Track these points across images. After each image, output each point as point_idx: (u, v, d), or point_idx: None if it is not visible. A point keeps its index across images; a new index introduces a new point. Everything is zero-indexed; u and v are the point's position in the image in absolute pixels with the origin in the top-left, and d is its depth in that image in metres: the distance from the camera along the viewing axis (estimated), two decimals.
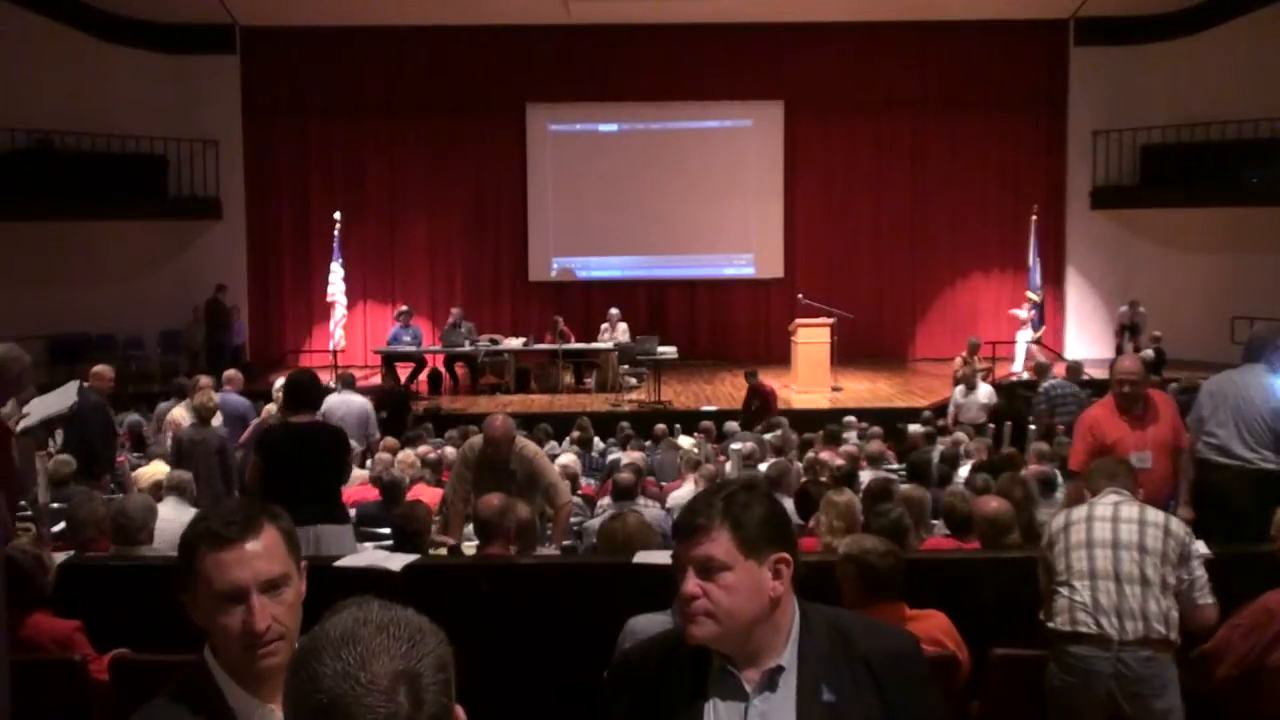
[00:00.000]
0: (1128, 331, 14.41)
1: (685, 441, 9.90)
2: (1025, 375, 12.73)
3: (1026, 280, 14.83)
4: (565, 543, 5.45)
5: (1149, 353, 13.41)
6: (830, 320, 13.29)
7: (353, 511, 6.30)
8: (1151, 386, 5.15)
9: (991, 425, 10.43)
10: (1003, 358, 13.75)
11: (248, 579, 1.53)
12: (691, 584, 1.62)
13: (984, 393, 10.94)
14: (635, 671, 1.76)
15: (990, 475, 5.95)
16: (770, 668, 1.63)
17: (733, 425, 10.42)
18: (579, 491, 7.08)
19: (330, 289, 14.17)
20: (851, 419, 10.28)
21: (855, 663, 1.64)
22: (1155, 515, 3.30)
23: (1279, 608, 3.21)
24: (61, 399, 6.59)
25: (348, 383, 9.95)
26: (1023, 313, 14.19)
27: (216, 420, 7.83)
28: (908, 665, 1.68)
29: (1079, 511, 3.39)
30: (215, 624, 1.54)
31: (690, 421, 11.29)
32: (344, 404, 9.30)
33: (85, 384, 7.55)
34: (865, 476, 6.43)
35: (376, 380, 13.06)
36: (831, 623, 1.69)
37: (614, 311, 14.36)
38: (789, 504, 5.39)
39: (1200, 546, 3.30)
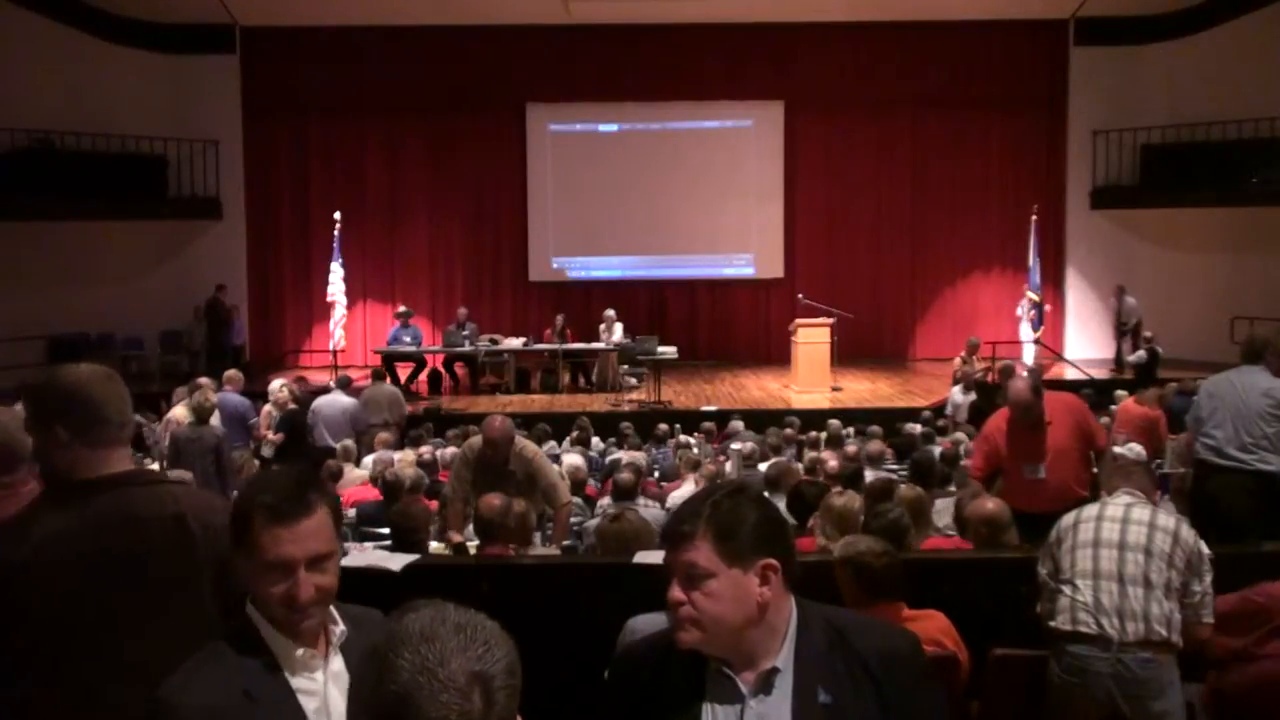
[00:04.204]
0: (1128, 335, 14.40)
1: (688, 440, 9.90)
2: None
3: (1026, 280, 14.83)
4: (565, 543, 5.45)
5: (1142, 354, 13.33)
6: (830, 320, 13.29)
7: (352, 512, 6.31)
8: (1053, 395, 5.19)
9: None
10: (1003, 358, 13.72)
11: (298, 555, 1.67)
12: (675, 591, 1.62)
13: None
14: (634, 672, 1.75)
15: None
16: (765, 670, 1.62)
17: (736, 425, 10.43)
18: (584, 491, 7.09)
19: (330, 289, 14.17)
20: (836, 423, 10.18)
21: (853, 663, 1.63)
22: (1166, 520, 3.30)
23: None
24: None
25: (343, 384, 10.17)
26: (1022, 310, 14.21)
27: (214, 420, 7.84)
28: (906, 665, 1.67)
29: (1090, 510, 3.39)
30: (260, 587, 1.69)
31: (690, 421, 11.29)
32: (329, 404, 9.64)
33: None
34: (865, 476, 6.42)
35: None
36: (830, 623, 1.68)
37: (609, 312, 14.34)
38: (784, 504, 5.39)
39: (1202, 547, 3.30)
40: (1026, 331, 14.08)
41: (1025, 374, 5.30)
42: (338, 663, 1.73)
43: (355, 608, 1.85)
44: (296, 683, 1.68)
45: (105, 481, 2.06)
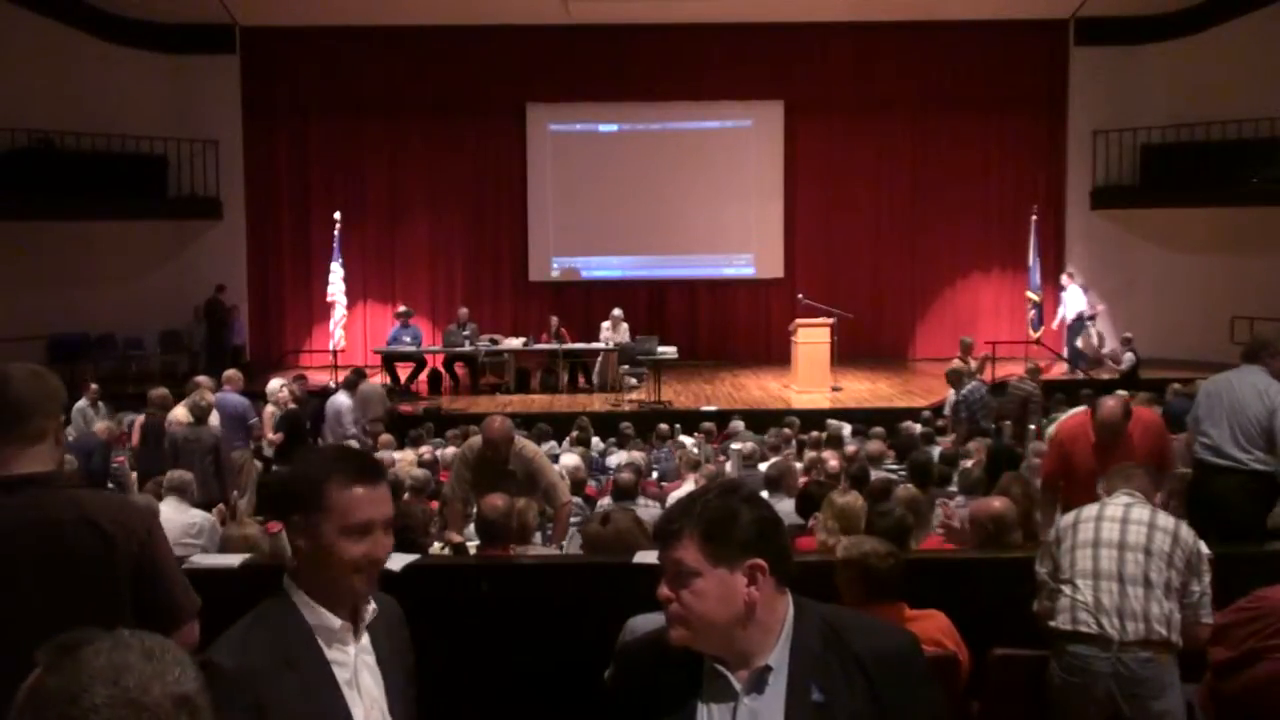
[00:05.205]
0: (1086, 326, 14.36)
1: (685, 441, 9.92)
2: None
3: (1027, 280, 14.84)
4: (565, 542, 5.45)
5: (1131, 356, 13.26)
6: (830, 320, 13.30)
7: None
8: (1140, 409, 5.12)
9: (992, 425, 10.43)
10: (1002, 357, 13.74)
11: (377, 517, 1.76)
12: (663, 588, 1.64)
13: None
14: (633, 669, 1.77)
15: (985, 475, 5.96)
16: (759, 668, 1.63)
17: (737, 424, 10.44)
18: (583, 491, 7.09)
19: (330, 289, 14.17)
20: (835, 423, 10.19)
21: (848, 662, 1.63)
22: (1166, 520, 3.31)
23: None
24: None
25: (349, 385, 10.25)
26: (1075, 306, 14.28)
27: (213, 420, 7.85)
28: (903, 664, 1.66)
29: (1089, 510, 3.40)
30: (333, 551, 1.73)
31: (690, 421, 11.30)
32: (330, 403, 9.75)
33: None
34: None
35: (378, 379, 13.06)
36: (828, 621, 1.68)
37: (617, 312, 14.34)
38: (789, 504, 5.41)
39: (1202, 547, 3.31)
40: (1082, 324, 14.13)
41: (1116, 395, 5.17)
42: (365, 638, 1.81)
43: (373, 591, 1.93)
44: (331, 654, 1.75)
45: (13, 481, 2.04)
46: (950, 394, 11.17)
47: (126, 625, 1.97)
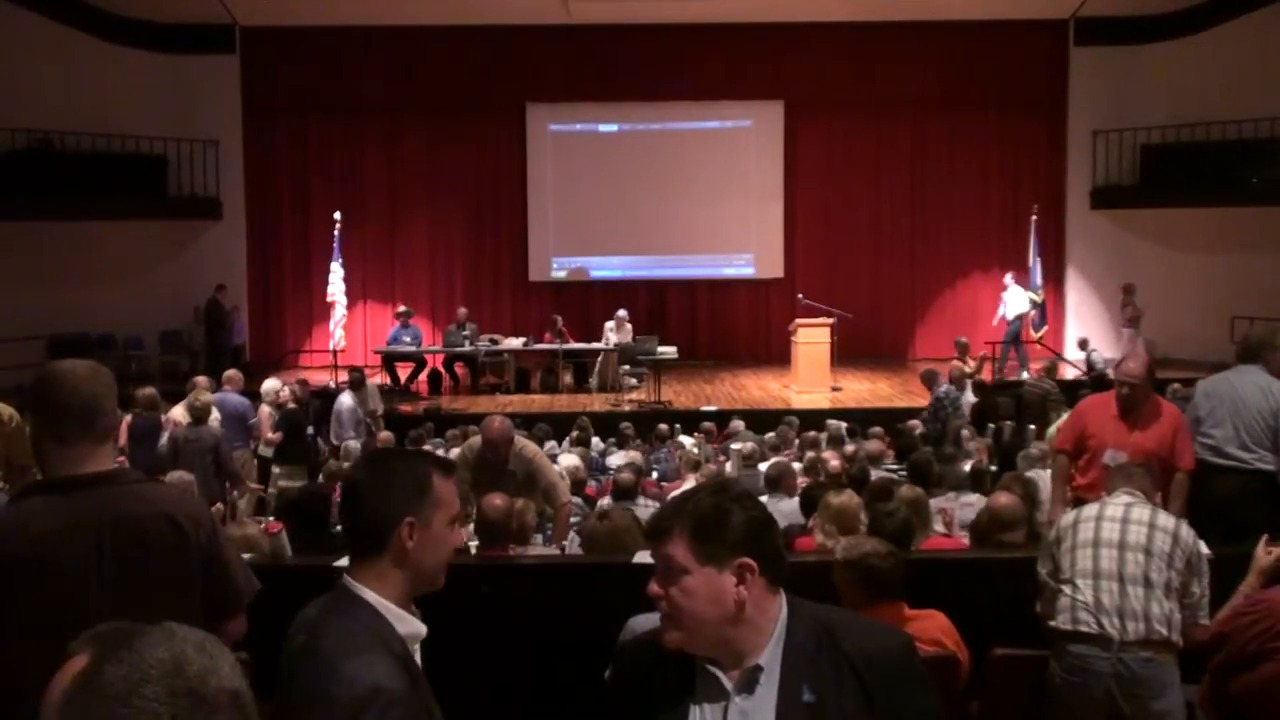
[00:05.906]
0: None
1: (685, 441, 9.92)
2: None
3: (1027, 280, 14.83)
4: (565, 542, 5.44)
5: (1098, 357, 13.23)
6: (830, 320, 13.31)
7: None
8: (1155, 394, 4.97)
9: (991, 425, 10.43)
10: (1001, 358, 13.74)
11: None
12: (652, 585, 1.65)
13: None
14: (629, 670, 1.77)
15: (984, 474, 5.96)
16: (749, 667, 1.63)
17: (737, 424, 10.43)
18: (583, 491, 7.09)
19: (330, 289, 14.16)
20: (835, 423, 10.21)
21: (840, 662, 1.62)
22: (1166, 520, 3.31)
23: None
24: None
25: (353, 384, 10.27)
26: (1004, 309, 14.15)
27: (213, 419, 7.85)
28: (896, 665, 1.65)
29: (1089, 510, 3.40)
30: (444, 543, 1.77)
31: (690, 421, 11.29)
32: (338, 403, 9.81)
33: None
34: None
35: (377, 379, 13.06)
36: (822, 622, 1.67)
37: (621, 313, 14.32)
38: (791, 505, 5.42)
39: (1201, 547, 3.31)
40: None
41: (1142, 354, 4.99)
42: None
43: None
44: (418, 660, 1.74)
45: (89, 479, 2.06)
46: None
47: (196, 613, 2.00)
